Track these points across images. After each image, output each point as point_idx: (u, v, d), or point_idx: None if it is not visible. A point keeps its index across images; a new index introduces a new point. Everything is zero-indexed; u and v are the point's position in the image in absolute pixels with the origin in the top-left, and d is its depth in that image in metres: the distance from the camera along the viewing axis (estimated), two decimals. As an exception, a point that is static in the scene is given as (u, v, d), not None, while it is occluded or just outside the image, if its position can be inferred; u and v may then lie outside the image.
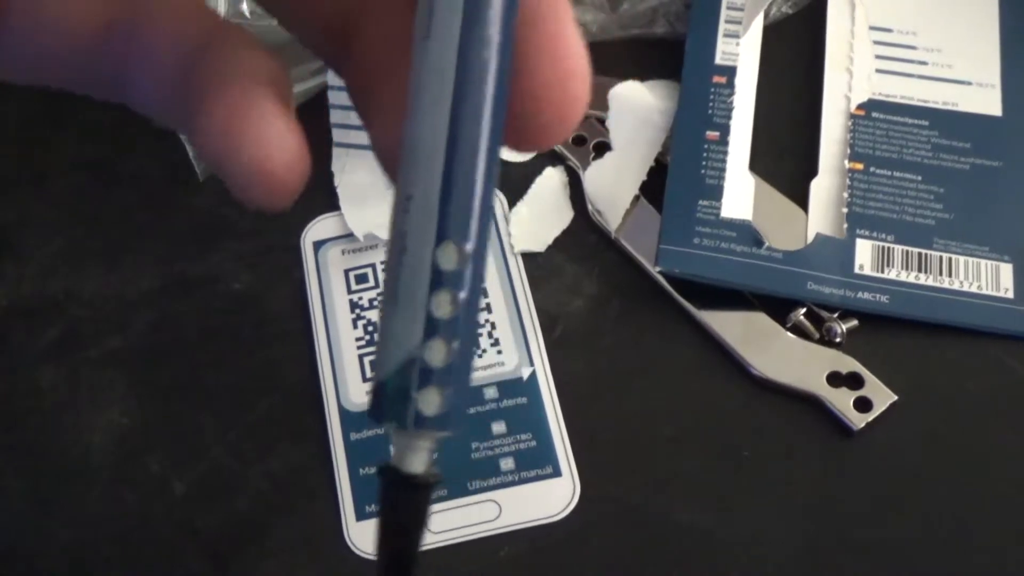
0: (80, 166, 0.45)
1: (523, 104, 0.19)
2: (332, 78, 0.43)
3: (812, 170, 0.42)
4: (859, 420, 0.37)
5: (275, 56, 0.19)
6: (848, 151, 0.42)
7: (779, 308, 0.40)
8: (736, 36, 0.45)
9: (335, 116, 0.43)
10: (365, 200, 0.43)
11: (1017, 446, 0.37)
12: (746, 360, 0.39)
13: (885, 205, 0.41)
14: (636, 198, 0.42)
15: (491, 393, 0.39)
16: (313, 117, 0.44)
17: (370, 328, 0.40)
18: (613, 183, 0.42)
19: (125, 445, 0.39)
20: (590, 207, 0.42)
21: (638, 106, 0.44)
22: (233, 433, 0.39)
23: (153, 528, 0.37)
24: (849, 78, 0.44)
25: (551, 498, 0.37)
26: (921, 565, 0.36)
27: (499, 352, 0.40)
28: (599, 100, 0.44)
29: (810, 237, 0.41)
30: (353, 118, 0.43)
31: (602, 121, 0.44)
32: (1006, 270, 0.40)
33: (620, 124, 0.44)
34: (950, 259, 0.40)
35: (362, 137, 0.43)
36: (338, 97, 0.43)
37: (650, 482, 0.37)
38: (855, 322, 0.39)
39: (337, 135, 0.43)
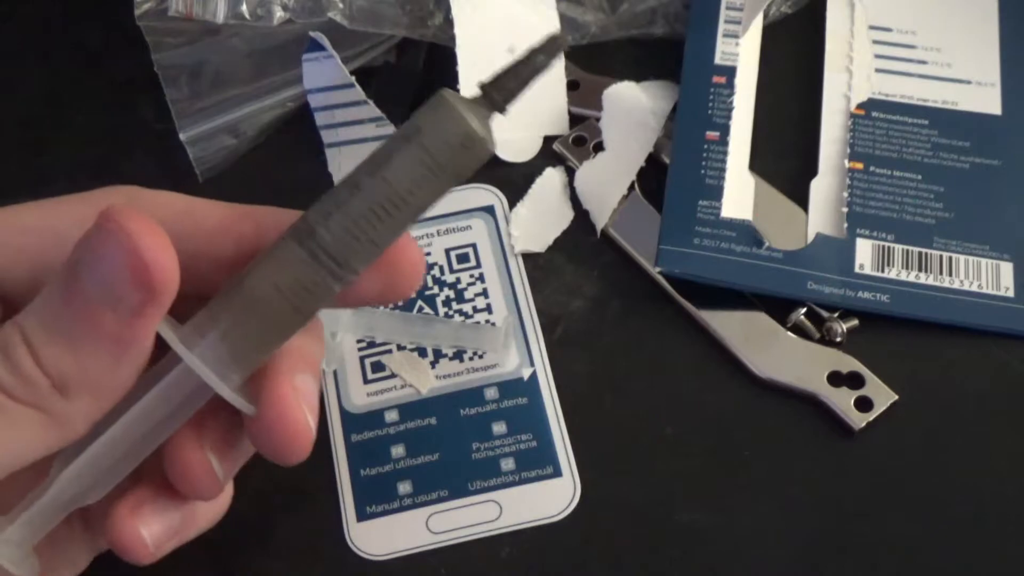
0: (81, 167, 0.45)
1: (254, 433, 0.28)
2: (308, 81, 0.43)
3: (812, 170, 0.42)
4: (860, 420, 0.37)
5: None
6: (848, 151, 0.42)
7: (779, 308, 0.40)
8: (735, 36, 0.45)
9: (320, 118, 0.44)
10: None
11: (1017, 446, 0.37)
12: (746, 360, 0.39)
13: (885, 204, 0.41)
14: (625, 197, 0.42)
15: (491, 393, 0.39)
16: (306, 121, 0.44)
17: (370, 329, 0.40)
18: (603, 183, 0.42)
19: (126, 446, 0.39)
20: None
21: (632, 107, 0.44)
22: (234, 434, 0.39)
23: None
24: (848, 77, 0.44)
25: (552, 498, 0.37)
26: (921, 565, 0.36)
27: (499, 352, 0.40)
28: (596, 100, 0.44)
29: (810, 237, 0.41)
30: (337, 117, 0.43)
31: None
32: (1006, 269, 0.40)
33: (613, 125, 0.44)
34: (950, 258, 0.40)
35: (350, 133, 0.43)
36: (317, 99, 0.43)
37: (650, 482, 0.37)
38: (855, 322, 0.39)
39: (326, 136, 0.44)
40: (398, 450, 0.38)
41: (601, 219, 0.42)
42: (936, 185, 0.42)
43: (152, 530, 0.29)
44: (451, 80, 0.43)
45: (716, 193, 0.41)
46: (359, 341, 0.40)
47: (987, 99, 0.44)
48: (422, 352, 0.40)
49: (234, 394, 0.27)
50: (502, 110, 0.26)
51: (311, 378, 0.29)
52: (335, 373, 0.40)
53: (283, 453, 0.28)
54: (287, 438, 0.28)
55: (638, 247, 0.41)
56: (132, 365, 0.26)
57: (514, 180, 0.43)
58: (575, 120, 0.44)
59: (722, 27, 0.45)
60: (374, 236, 0.26)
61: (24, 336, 0.26)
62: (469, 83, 0.43)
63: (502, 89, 0.26)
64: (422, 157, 0.26)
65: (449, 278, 0.41)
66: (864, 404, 0.38)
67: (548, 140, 0.44)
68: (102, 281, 0.25)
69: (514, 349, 0.40)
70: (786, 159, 0.43)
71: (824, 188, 0.42)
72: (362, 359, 0.40)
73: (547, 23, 0.45)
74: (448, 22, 0.44)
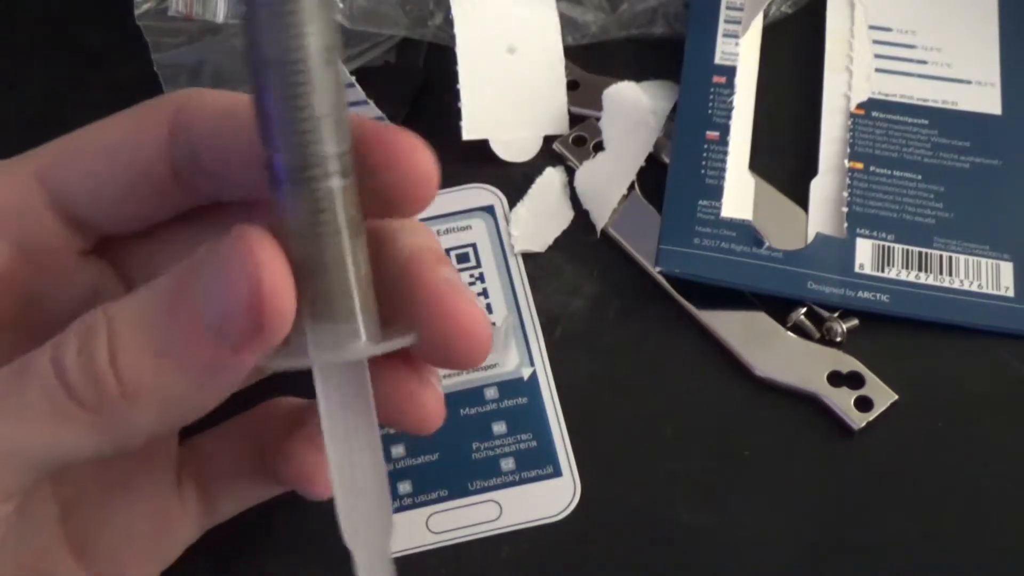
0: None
1: (432, 354, 0.26)
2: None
3: (812, 170, 0.42)
4: (860, 420, 0.37)
5: None
6: (848, 150, 0.42)
7: (779, 308, 0.40)
8: (736, 36, 0.45)
9: None
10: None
11: (1017, 446, 0.37)
12: (746, 360, 0.39)
13: (885, 204, 0.41)
14: (625, 197, 0.42)
15: (491, 393, 0.39)
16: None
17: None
18: (603, 183, 0.42)
19: (126, 446, 0.39)
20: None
21: (632, 107, 0.44)
22: (234, 434, 0.39)
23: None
24: (848, 77, 0.44)
25: (552, 498, 0.37)
26: (921, 565, 0.36)
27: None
28: (596, 100, 0.44)
29: (810, 237, 0.41)
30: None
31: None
32: (1006, 269, 0.40)
33: (613, 124, 0.44)
34: (950, 258, 0.40)
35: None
36: None
37: (651, 482, 0.37)
38: (856, 321, 0.39)
39: None
40: (398, 450, 0.38)
41: (601, 219, 0.42)
42: (936, 185, 0.42)
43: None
44: (451, 80, 0.43)
45: (716, 193, 0.41)
46: (359, 341, 0.40)
47: (987, 99, 0.44)
48: (422, 352, 0.40)
49: (388, 343, 0.25)
50: None
51: (448, 267, 0.27)
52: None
53: (467, 357, 0.26)
54: (465, 338, 0.26)
55: (638, 247, 0.41)
56: (214, 393, 0.25)
57: (514, 180, 0.43)
58: (575, 120, 0.44)
59: (722, 27, 0.45)
60: (312, 111, 0.23)
61: (110, 329, 0.24)
62: (469, 83, 0.43)
63: None
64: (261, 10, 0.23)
65: (449, 278, 0.41)
66: (864, 404, 0.38)
67: (548, 140, 0.44)
68: (214, 305, 0.24)
69: (514, 349, 0.40)
70: (786, 159, 0.43)
71: (824, 188, 0.42)
72: (362, 359, 0.40)
73: (547, 23, 0.45)
74: (448, 22, 0.44)
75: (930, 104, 0.44)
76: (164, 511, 0.31)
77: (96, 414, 0.24)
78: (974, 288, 0.39)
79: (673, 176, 0.42)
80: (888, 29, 0.45)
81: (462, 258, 0.42)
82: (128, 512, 0.30)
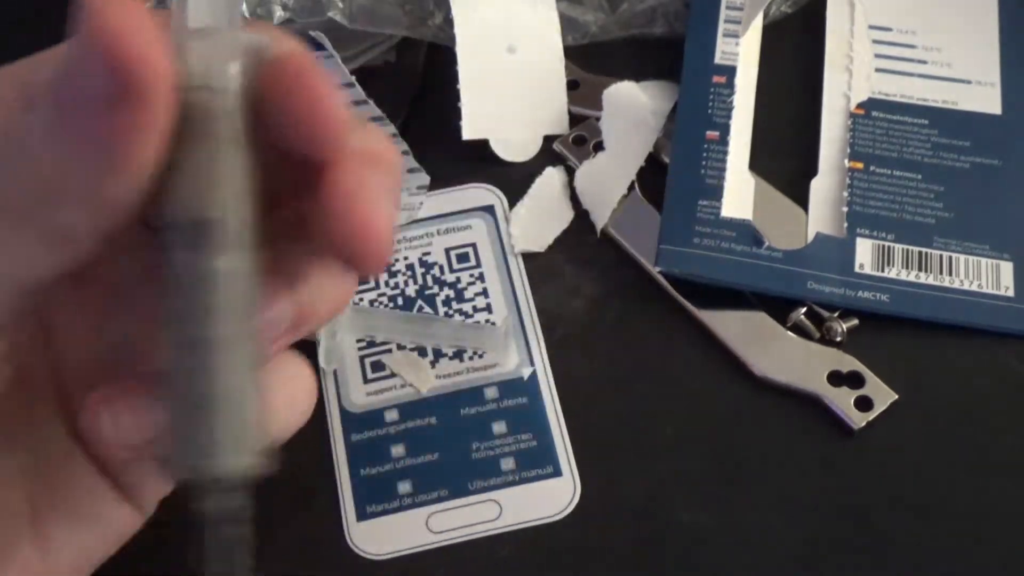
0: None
1: (337, 254, 0.25)
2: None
3: (812, 169, 0.42)
4: (860, 419, 0.37)
5: None
6: (848, 150, 0.42)
7: (779, 308, 0.40)
8: (736, 36, 0.45)
9: None
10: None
11: (1017, 446, 0.37)
12: (746, 360, 0.39)
13: (885, 204, 0.41)
14: (625, 197, 0.42)
15: (491, 393, 0.39)
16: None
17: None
18: (603, 183, 0.42)
19: (126, 446, 0.39)
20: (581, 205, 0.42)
21: (632, 106, 0.44)
22: (234, 434, 0.39)
23: (154, 529, 0.37)
24: (848, 77, 0.44)
25: (552, 498, 0.37)
26: (921, 565, 0.36)
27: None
28: (596, 100, 0.44)
29: (810, 236, 0.41)
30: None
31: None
32: (1006, 268, 0.40)
33: (613, 124, 0.44)
34: (950, 258, 0.40)
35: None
36: None
37: (650, 482, 0.37)
38: (856, 321, 0.39)
39: None
40: (398, 450, 0.38)
41: (601, 219, 0.42)
42: (936, 185, 0.42)
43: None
44: (451, 80, 0.43)
45: (716, 193, 0.41)
46: (359, 341, 0.40)
47: (987, 99, 0.44)
48: (422, 352, 0.40)
49: None
50: None
51: (383, 176, 0.25)
52: (335, 373, 0.40)
53: (356, 255, 0.25)
54: (359, 235, 0.24)
55: (638, 247, 0.41)
56: (122, 176, 0.23)
57: (514, 180, 0.43)
58: (575, 120, 0.44)
59: (722, 27, 0.45)
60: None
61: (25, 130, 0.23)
62: (469, 83, 0.43)
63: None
64: None
65: (449, 278, 0.41)
66: (864, 404, 0.38)
67: (548, 140, 0.44)
68: (78, 74, 0.22)
69: (514, 349, 0.40)
70: (786, 159, 0.43)
71: (824, 188, 0.42)
72: (362, 359, 0.40)
73: (547, 23, 0.45)
74: (448, 22, 0.44)
75: (930, 104, 0.44)
76: (90, 499, 0.30)
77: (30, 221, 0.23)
78: (974, 288, 0.39)
79: (673, 176, 0.42)
80: (888, 29, 0.45)
81: (462, 258, 0.42)
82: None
